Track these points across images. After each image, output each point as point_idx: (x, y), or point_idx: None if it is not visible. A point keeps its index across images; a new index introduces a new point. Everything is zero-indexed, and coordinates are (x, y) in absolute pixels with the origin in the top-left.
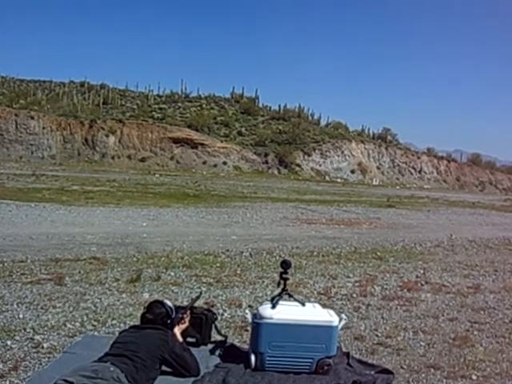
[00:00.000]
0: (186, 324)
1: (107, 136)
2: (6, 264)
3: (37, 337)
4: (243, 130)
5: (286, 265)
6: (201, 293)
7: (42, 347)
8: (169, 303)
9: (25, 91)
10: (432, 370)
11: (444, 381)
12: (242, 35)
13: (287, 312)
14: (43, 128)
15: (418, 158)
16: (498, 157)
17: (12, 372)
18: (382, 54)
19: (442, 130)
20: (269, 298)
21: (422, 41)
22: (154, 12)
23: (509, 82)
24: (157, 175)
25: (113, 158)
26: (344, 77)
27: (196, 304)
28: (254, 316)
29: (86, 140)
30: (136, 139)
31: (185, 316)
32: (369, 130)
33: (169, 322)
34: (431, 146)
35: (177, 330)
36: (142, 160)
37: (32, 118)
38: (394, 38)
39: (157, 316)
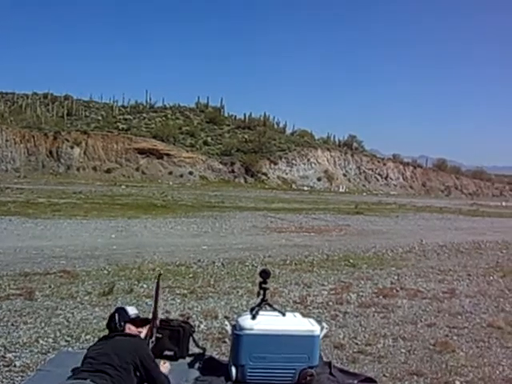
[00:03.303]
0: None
1: (72, 148)
2: None
3: (8, 355)
4: (209, 139)
5: (265, 274)
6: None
7: (15, 365)
8: (128, 309)
9: None
10: (415, 377)
11: None
12: (205, 44)
13: (268, 322)
14: (6, 140)
15: (384, 164)
16: (464, 162)
17: None
18: (345, 60)
19: (407, 136)
20: (244, 309)
21: (386, 45)
22: (116, 22)
23: (473, 87)
24: (123, 186)
25: (78, 169)
26: (308, 84)
27: (172, 316)
28: (234, 327)
29: (51, 152)
30: (101, 150)
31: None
32: (334, 137)
33: (118, 327)
34: (397, 152)
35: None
36: (108, 171)
37: None
38: (357, 43)
39: (110, 323)
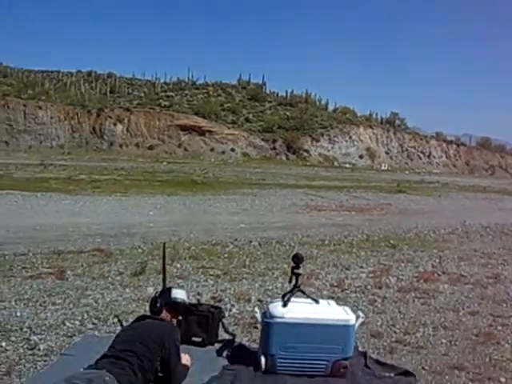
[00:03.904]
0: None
1: (115, 124)
2: (7, 257)
3: (33, 337)
4: (250, 116)
5: (297, 259)
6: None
7: (39, 349)
8: (173, 291)
9: (33, 82)
10: (456, 371)
11: None
12: (247, 20)
13: (300, 310)
14: (51, 118)
15: (427, 142)
16: (509, 140)
17: (4, 377)
18: (390, 37)
19: (450, 114)
20: (279, 292)
21: (430, 23)
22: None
23: None
24: (164, 163)
25: (121, 146)
26: (351, 61)
27: (203, 299)
28: (264, 315)
29: (94, 129)
30: (143, 127)
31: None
32: (377, 114)
33: (155, 303)
34: (439, 129)
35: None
36: (150, 148)
37: (40, 108)
38: (402, 19)
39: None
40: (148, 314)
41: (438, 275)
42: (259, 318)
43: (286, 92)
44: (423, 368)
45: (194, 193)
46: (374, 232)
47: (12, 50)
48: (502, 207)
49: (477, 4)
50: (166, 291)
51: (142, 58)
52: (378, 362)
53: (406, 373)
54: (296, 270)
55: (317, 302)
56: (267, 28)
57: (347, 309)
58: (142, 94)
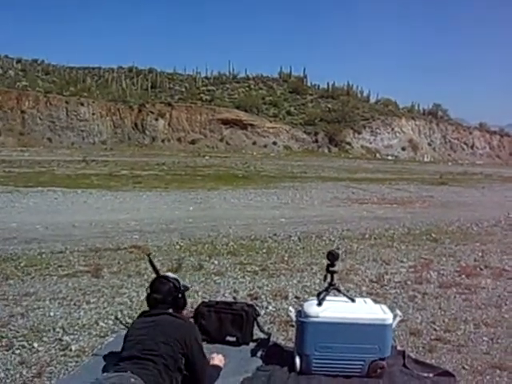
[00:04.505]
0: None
1: (156, 120)
2: (43, 255)
3: (66, 337)
4: (292, 109)
5: (332, 257)
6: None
7: (70, 349)
8: (172, 275)
9: (74, 78)
10: (498, 371)
11: None
12: (287, 13)
13: (335, 309)
14: (93, 114)
15: (470, 133)
16: None
17: (35, 379)
18: (430, 28)
19: (493, 105)
20: (317, 288)
21: (472, 8)
22: None
23: None
24: (206, 157)
25: (163, 141)
26: (392, 52)
27: (240, 296)
28: (299, 314)
29: (136, 124)
30: (185, 122)
31: None
32: (419, 106)
33: (179, 296)
34: (483, 120)
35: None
36: (192, 142)
37: (82, 104)
38: (442, 8)
39: (165, 294)
40: (159, 310)
41: (481, 269)
42: (293, 318)
43: (328, 84)
44: (463, 367)
45: (234, 187)
46: (415, 225)
47: (54, 47)
48: None
49: None
50: (175, 282)
51: (182, 52)
52: (416, 361)
53: (446, 373)
54: (331, 268)
55: (353, 300)
56: (306, 20)
57: (384, 307)
58: (183, 89)
